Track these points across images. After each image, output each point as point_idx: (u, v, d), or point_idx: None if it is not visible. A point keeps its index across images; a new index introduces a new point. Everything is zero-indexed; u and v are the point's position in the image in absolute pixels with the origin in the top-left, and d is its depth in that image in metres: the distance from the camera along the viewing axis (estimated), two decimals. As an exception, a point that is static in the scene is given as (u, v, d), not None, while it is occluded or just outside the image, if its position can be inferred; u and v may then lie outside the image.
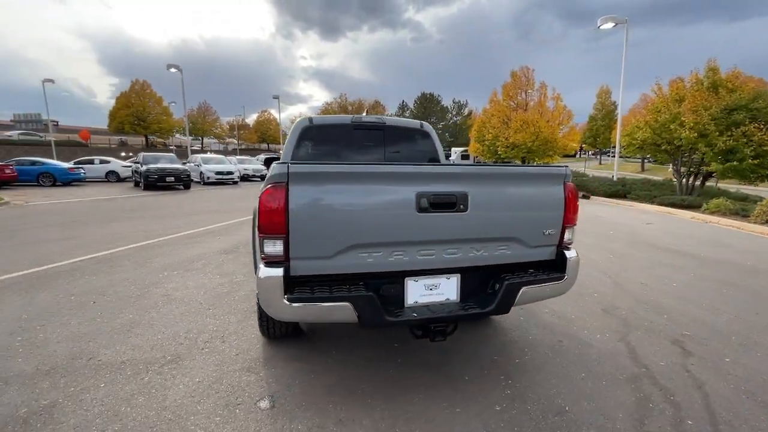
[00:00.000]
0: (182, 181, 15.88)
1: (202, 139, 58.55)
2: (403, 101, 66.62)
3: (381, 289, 2.02)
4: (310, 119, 3.63)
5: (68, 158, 22.07)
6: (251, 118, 69.70)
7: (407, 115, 69.10)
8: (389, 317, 1.91)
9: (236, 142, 62.64)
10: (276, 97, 37.88)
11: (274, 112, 63.74)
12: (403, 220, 1.92)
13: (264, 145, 65.50)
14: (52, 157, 21.96)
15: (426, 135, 3.88)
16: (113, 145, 45.22)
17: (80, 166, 18.73)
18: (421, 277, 2.07)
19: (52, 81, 30.25)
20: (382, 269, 1.98)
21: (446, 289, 2.12)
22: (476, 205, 2.02)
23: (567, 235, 2.28)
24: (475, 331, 3.06)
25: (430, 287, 2.09)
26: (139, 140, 49.64)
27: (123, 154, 32.06)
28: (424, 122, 3.94)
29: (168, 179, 15.44)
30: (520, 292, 2.10)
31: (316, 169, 1.82)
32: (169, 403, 2.10)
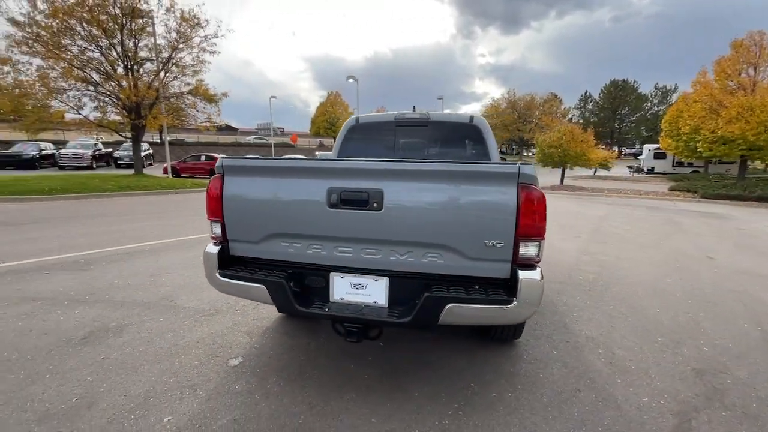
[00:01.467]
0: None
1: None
2: (586, 92, 58.25)
3: (306, 280, 2.12)
4: (357, 119, 3.86)
5: (280, 155, 28.68)
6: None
7: (589, 107, 59.85)
8: (300, 307, 2.01)
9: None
10: (440, 98, 38.94)
11: (447, 112, 66.05)
12: (315, 214, 1.97)
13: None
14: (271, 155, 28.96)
15: (475, 129, 3.56)
16: (312, 146, 55.88)
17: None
18: (348, 274, 2.06)
19: (275, 97, 39.64)
20: (304, 260, 2.08)
21: (374, 291, 2.05)
22: (393, 205, 1.88)
23: (524, 250, 1.83)
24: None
25: (357, 286, 2.07)
26: (331, 141, 59.68)
27: (317, 153, 39.31)
28: (475, 116, 3.61)
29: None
30: (446, 308, 1.83)
31: (241, 163, 2.08)
32: (183, 342, 2.77)
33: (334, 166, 2.00)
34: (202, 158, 21.42)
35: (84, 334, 2.87)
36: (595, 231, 7.67)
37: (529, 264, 1.88)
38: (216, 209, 2.13)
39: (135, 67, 16.96)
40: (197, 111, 19.71)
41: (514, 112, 46.53)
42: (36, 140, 21.63)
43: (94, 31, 15.41)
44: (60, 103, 16.03)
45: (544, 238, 1.90)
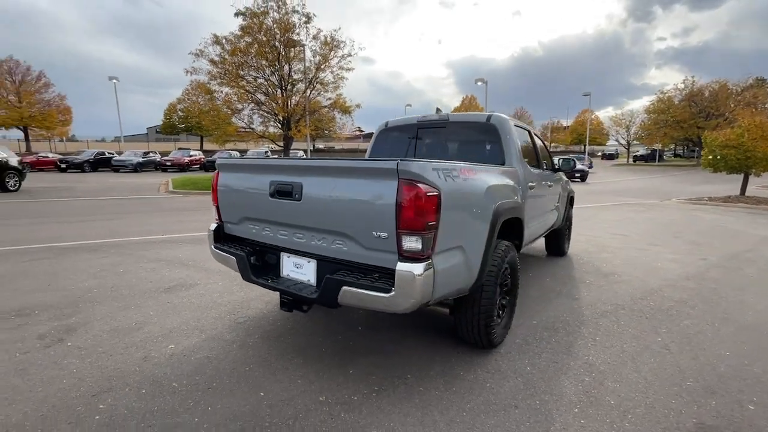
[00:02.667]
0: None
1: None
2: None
3: (266, 257, 2.59)
4: (387, 123, 4.15)
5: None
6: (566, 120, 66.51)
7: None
8: (253, 277, 2.49)
9: (548, 144, 62.15)
10: (587, 95, 34.64)
11: (601, 114, 58.39)
12: (263, 202, 2.41)
13: (578, 147, 61.16)
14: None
15: (491, 129, 3.44)
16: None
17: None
18: (293, 255, 2.44)
19: (410, 105, 41.92)
20: (262, 240, 2.55)
21: (308, 271, 2.38)
22: (309, 196, 2.18)
23: (408, 243, 1.88)
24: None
25: (297, 266, 2.43)
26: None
27: None
28: (493, 114, 3.47)
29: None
30: (341, 290, 2.04)
31: (227, 161, 2.68)
32: (221, 300, 3.60)
33: (274, 163, 2.42)
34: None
35: (169, 286, 4.00)
36: None
37: (416, 257, 1.90)
38: (215, 197, 2.80)
39: (288, 87, 20.64)
40: (336, 121, 22.63)
41: (693, 105, 37.35)
42: (226, 149, 28.43)
43: (262, 62, 19.44)
44: (237, 120, 20.87)
45: (429, 232, 1.89)
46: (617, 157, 55.44)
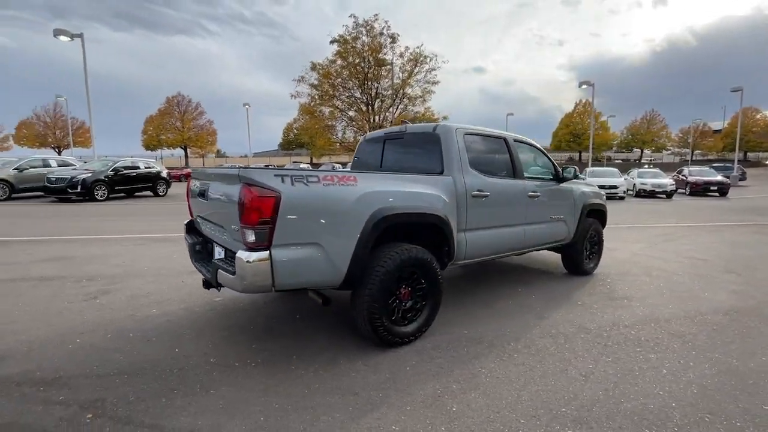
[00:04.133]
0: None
1: (642, 151, 53.54)
2: None
3: (208, 245, 3.22)
4: (365, 136, 4.50)
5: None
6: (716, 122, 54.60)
7: None
8: (192, 260, 3.14)
9: (689, 151, 51.94)
10: (737, 90, 28.44)
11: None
12: (196, 202, 3.05)
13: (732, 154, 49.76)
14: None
15: (435, 139, 3.53)
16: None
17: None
18: (215, 244, 3.02)
19: (512, 114, 40.10)
20: (203, 232, 3.19)
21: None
22: (209, 197, 2.73)
23: (246, 235, 2.26)
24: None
25: (218, 253, 3.00)
26: (567, 155, 53.77)
27: None
28: (439, 125, 3.57)
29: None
30: (218, 272, 2.52)
31: (192, 170, 3.41)
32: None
33: (199, 171, 3.05)
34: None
35: (193, 270, 5.01)
36: None
37: (253, 247, 2.27)
38: (187, 197, 3.58)
39: (377, 103, 22.13)
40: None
41: None
42: (326, 161, 31.61)
43: (352, 82, 21.37)
44: (332, 135, 23.22)
45: (263, 227, 2.23)
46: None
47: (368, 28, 20.70)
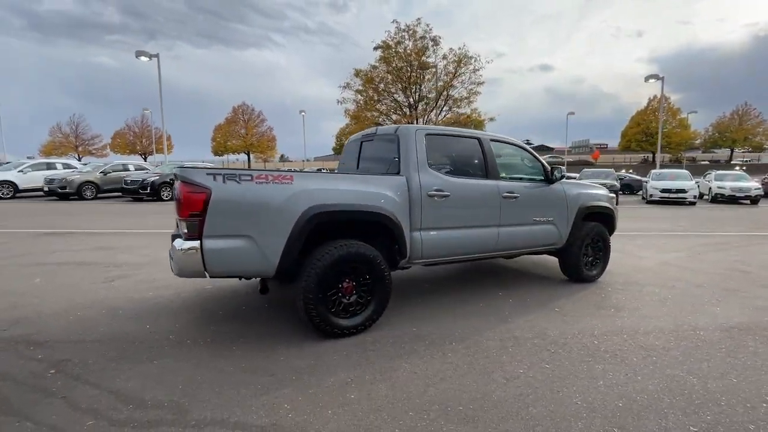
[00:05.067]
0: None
1: (732, 150, 47.01)
2: None
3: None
4: (350, 138, 4.69)
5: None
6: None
7: None
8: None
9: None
10: None
11: None
12: None
13: None
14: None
15: (395, 140, 3.62)
16: (609, 163, 47.81)
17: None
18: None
19: (572, 113, 37.67)
20: None
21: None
22: (174, 194, 3.08)
23: (181, 227, 2.56)
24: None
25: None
26: (640, 156, 48.92)
27: (629, 172, 32.47)
28: (400, 127, 3.64)
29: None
30: (170, 259, 2.86)
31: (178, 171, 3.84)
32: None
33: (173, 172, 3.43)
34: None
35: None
36: None
37: (189, 237, 2.55)
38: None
39: (421, 106, 22.16)
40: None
41: None
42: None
43: (396, 86, 21.64)
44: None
45: (193, 220, 2.50)
46: None
47: (410, 32, 20.92)
